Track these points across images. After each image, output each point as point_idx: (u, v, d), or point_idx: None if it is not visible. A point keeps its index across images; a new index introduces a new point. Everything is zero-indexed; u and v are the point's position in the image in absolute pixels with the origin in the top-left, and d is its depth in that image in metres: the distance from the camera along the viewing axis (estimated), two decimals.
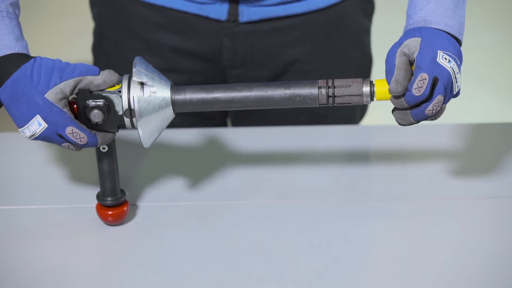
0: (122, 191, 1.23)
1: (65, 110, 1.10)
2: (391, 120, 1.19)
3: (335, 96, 1.14)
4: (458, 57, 1.14)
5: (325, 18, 1.51)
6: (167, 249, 1.19)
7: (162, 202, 1.29)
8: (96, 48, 1.59)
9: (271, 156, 1.43)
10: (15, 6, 1.17)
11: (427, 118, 1.12)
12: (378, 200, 1.31)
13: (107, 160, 1.19)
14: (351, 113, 1.63)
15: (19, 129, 1.12)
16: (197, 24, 1.47)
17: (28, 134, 1.11)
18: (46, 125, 1.10)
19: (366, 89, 1.14)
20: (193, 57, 1.51)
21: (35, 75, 1.10)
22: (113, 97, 1.13)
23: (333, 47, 1.54)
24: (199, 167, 1.38)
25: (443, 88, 1.11)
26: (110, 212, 1.21)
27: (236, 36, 1.48)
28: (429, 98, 1.11)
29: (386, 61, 1.13)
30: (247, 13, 1.46)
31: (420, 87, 1.10)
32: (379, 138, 1.51)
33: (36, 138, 1.12)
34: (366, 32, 1.60)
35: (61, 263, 1.17)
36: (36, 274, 1.14)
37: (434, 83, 1.10)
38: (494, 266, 1.16)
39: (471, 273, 1.15)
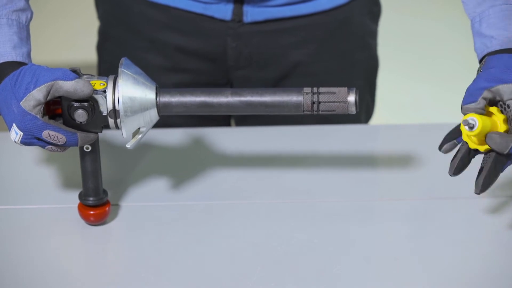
0: (105, 192, 1.22)
1: (38, 116, 1.09)
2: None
3: (319, 103, 1.14)
4: None
5: (330, 20, 1.50)
6: (167, 249, 1.19)
7: (163, 202, 1.29)
8: (101, 48, 1.59)
9: (271, 155, 1.43)
10: (21, 11, 1.16)
11: None
12: (378, 200, 1.31)
13: (89, 159, 1.19)
14: (356, 117, 1.62)
15: None
16: (202, 24, 1.47)
17: (13, 140, 1.11)
18: (22, 133, 1.10)
19: (351, 98, 1.14)
20: (197, 57, 1.51)
21: (18, 83, 1.10)
22: (98, 97, 1.13)
23: (339, 49, 1.54)
24: (200, 167, 1.38)
25: None
26: (91, 212, 1.21)
27: (240, 36, 1.48)
28: None
29: (469, 93, 1.13)
30: (251, 13, 1.45)
31: None
32: (379, 138, 1.51)
33: (21, 144, 1.12)
34: (372, 34, 1.59)
35: (60, 262, 1.17)
36: (34, 274, 1.14)
37: None
38: (495, 266, 1.16)
39: (471, 273, 1.15)
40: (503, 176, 1.35)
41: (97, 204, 1.21)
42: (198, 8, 1.46)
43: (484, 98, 1.11)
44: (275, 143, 1.46)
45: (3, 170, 1.40)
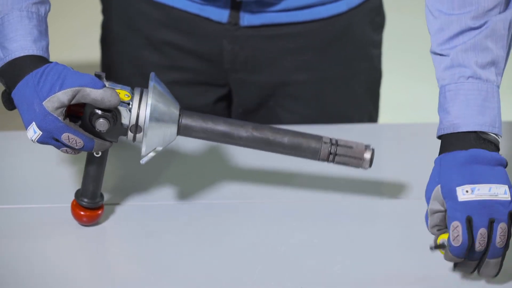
0: (101, 195, 1.22)
1: (60, 118, 1.09)
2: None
3: (336, 155, 1.17)
4: (488, 163, 1.10)
5: (329, 28, 1.49)
6: (167, 249, 1.19)
7: (163, 201, 1.29)
8: (103, 41, 1.60)
9: (271, 155, 1.43)
10: (40, 4, 1.16)
11: (484, 255, 1.08)
12: (378, 199, 1.31)
13: (96, 164, 1.18)
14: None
15: None
16: (199, 24, 1.47)
17: (29, 138, 1.11)
18: (41, 133, 1.10)
19: (367, 155, 1.17)
20: (194, 56, 1.51)
21: (42, 81, 1.09)
22: (122, 110, 1.13)
23: (338, 58, 1.53)
24: (200, 167, 1.38)
25: (484, 220, 1.07)
26: (83, 213, 1.21)
27: (236, 39, 1.47)
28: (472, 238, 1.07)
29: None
30: (248, 17, 1.45)
31: (456, 236, 1.07)
32: (379, 138, 1.51)
33: (37, 142, 1.12)
34: (374, 45, 1.58)
35: (60, 262, 1.16)
36: (34, 274, 1.14)
37: (470, 223, 1.07)
38: None
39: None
40: None
41: (91, 207, 1.21)
42: (194, 8, 1.45)
43: (434, 226, 1.12)
44: None
45: (3, 170, 1.40)
